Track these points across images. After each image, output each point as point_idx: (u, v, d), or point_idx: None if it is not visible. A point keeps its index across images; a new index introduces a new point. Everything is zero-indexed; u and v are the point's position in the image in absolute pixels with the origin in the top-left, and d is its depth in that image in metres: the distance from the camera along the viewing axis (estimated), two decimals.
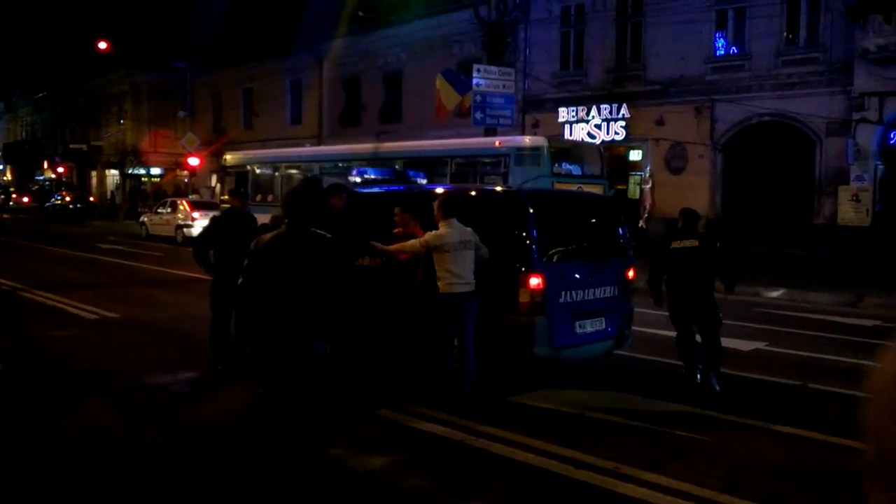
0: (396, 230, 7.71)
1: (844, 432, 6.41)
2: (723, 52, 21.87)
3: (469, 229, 7.14)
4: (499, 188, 11.14)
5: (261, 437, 5.12)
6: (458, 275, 6.94)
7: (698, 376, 7.85)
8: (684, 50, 21.82)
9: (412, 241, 7.14)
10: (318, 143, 31.03)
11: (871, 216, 18.39)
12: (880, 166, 18.95)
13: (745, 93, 20.80)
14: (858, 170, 18.79)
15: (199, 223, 20.90)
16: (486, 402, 7.05)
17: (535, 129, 24.70)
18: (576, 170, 15.88)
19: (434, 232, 7.02)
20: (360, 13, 30.36)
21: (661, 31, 22.24)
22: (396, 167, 14.41)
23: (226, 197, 9.10)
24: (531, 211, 7.49)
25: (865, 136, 18.74)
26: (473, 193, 8.86)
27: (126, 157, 44.82)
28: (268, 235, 4.56)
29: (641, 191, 23.28)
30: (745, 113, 20.83)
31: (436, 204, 7.17)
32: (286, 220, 4.58)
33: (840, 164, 19.17)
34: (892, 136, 18.78)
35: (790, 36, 20.69)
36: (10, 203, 54.27)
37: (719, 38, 21.88)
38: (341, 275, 4.53)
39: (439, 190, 9.10)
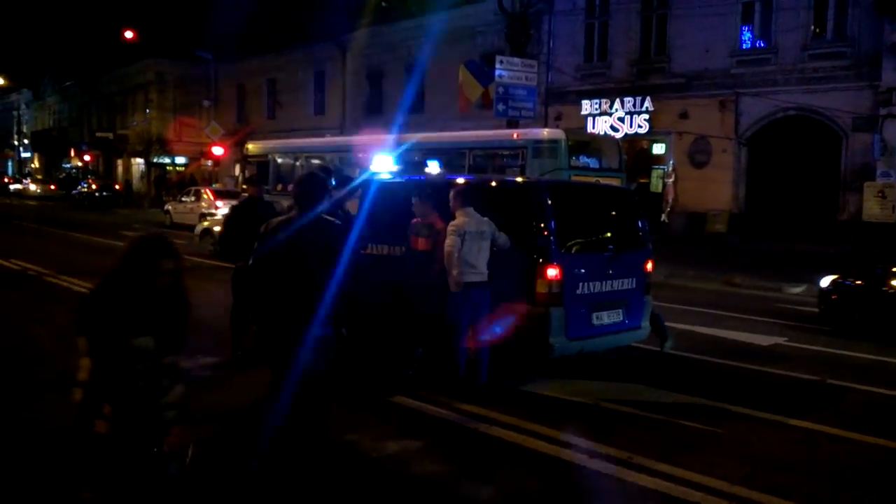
0: (415, 220, 7.75)
1: (861, 428, 6.40)
2: (748, 46, 21.65)
3: (486, 219, 7.18)
4: (519, 179, 11.16)
5: (278, 421, 5.20)
6: (471, 264, 6.99)
7: None
8: (709, 43, 21.62)
9: (451, 239, 7.09)
10: (341, 134, 31.12)
11: None
12: None
13: (770, 86, 20.57)
14: (885, 166, 18.55)
15: (221, 212, 21.03)
16: (501, 391, 7.10)
17: (557, 121, 24.60)
18: (593, 163, 15.84)
19: (453, 222, 7.07)
20: (384, 3, 30.40)
21: (686, 23, 22.04)
22: (416, 158, 14.47)
23: (245, 186, 9.22)
24: (550, 202, 7.51)
25: (892, 131, 18.49)
26: (494, 184, 8.91)
27: (151, 145, 45.23)
28: (277, 219, 4.64)
29: (664, 184, 23.14)
30: (770, 107, 20.62)
31: (451, 193, 7.22)
32: (296, 205, 4.64)
33: (866, 160, 18.93)
34: None
35: (817, 30, 20.44)
36: (32, 189, 55.05)
37: (745, 31, 21.66)
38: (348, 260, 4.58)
39: (459, 180, 9.15)
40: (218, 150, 34.00)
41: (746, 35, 21.69)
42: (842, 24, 19.88)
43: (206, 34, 40.43)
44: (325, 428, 5.49)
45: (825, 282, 11.47)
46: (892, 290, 10.75)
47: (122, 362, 3.26)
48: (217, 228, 20.33)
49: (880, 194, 18.29)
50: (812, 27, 20.40)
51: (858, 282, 11.11)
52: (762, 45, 21.32)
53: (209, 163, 38.87)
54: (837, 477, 5.41)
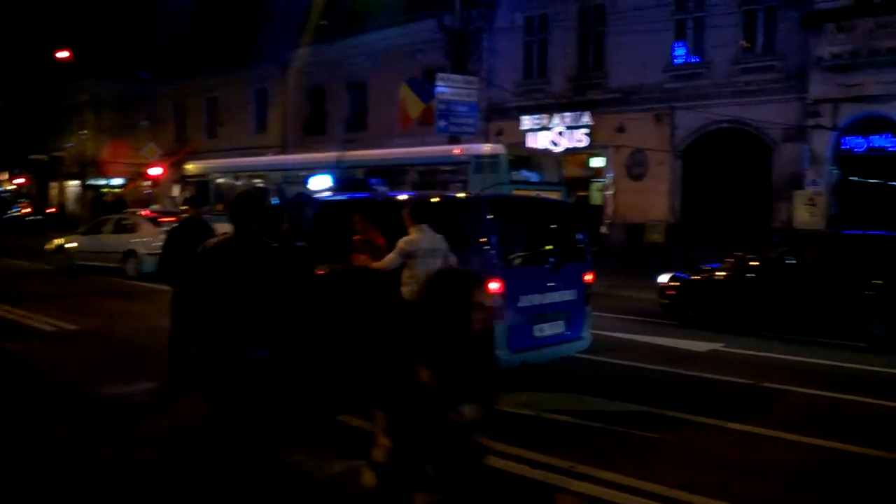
0: (356, 237, 7.74)
1: (795, 428, 6.59)
2: (682, 61, 22.23)
3: (440, 236, 7.19)
4: (460, 194, 11.22)
5: (219, 445, 5.11)
6: (420, 279, 6.97)
7: None
8: (644, 59, 22.14)
9: (391, 256, 7.08)
10: (282, 153, 30.88)
11: (827, 220, 18.79)
12: (834, 171, 19.38)
13: (703, 100, 21.15)
14: (813, 174, 19.20)
15: (161, 233, 20.63)
16: None
17: (498, 136, 24.83)
18: (534, 177, 16.07)
19: (406, 238, 7.04)
20: (324, 22, 30.35)
21: (621, 40, 22.54)
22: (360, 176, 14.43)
23: (184, 207, 9.06)
24: (490, 217, 7.59)
25: (820, 141, 19.18)
26: (435, 200, 8.94)
27: (87, 167, 44.17)
28: (213, 240, 4.58)
29: (604, 197, 23.55)
30: (703, 120, 21.20)
31: (405, 211, 7.21)
32: (232, 225, 4.59)
33: (795, 170, 19.58)
34: (845, 141, 19.23)
35: (747, 44, 21.12)
36: None
37: (678, 46, 22.24)
38: (287, 283, 4.55)
39: (402, 197, 9.17)
40: (156, 171, 33.38)
41: (680, 51, 22.27)
42: (771, 38, 20.58)
43: (144, 53, 39.80)
44: (267, 450, 5.42)
45: (663, 278, 12.38)
46: (716, 285, 11.98)
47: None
48: (71, 245, 20.18)
49: (810, 202, 18.91)
50: (742, 42, 21.07)
51: (695, 277, 12.01)
52: (695, 60, 21.93)
53: (147, 184, 38.09)
54: (774, 477, 5.55)
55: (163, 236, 18.40)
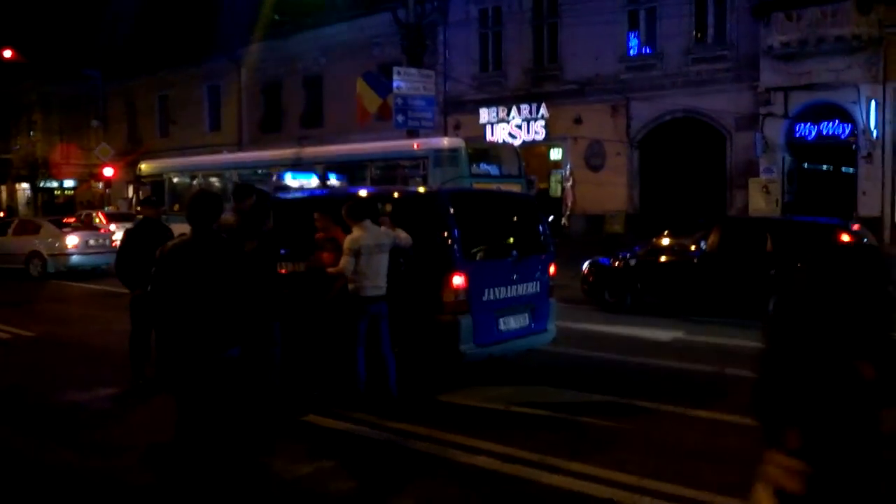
0: (318, 234, 7.66)
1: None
2: (636, 52, 22.48)
3: (384, 229, 7.16)
4: (420, 189, 11.21)
5: (184, 449, 5.03)
6: (368, 277, 6.93)
7: None
8: (599, 50, 22.33)
9: (343, 259, 7.01)
10: (239, 150, 30.51)
11: (781, 206, 19.17)
12: (787, 158, 19.79)
13: (658, 91, 21.43)
14: (767, 162, 19.58)
15: (116, 235, 20.29)
16: (414, 403, 7.08)
17: (457, 130, 24.87)
18: (494, 170, 16.11)
19: (350, 237, 6.99)
20: (277, 17, 30.00)
21: (575, 31, 22.70)
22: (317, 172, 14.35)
23: (140, 208, 8.92)
24: (452, 211, 7.57)
25: (773, 129, 19.56)
26: (396, 195, 8.93)
27: (37, 169, 43.15)
28: (172, 242, 4.51)
29: (563, 189, 23.72)
30: (658, 110, 21.47)
31: (344, 209, 7.16)
32: (190, 226, 4.53)
33: (749, 157, 19.95)
34: (797, 128, 19.64)
35: (699, 35, 21.43)
36: None
37: (632, 38, 22.49)
38: (248, 277, 4.50)
39: (362, 193, 9.12)
40: (108, 172, 32.76)
41: (633, 42, 22.53)
42: (721, 29, 20.91)
43: (93, 52, 38.93)
44: (235, 452, 5.35)
45: (585, 264, 12.87)
46: (627, 271, 12.64)
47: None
48: None
49: (764, 189, 19.27)
50: (694, 33, 21.38)
51: (616, 263, 12.82)
52: (648, 51, 22.18)
53: (100, 185, 37.35)
54: (739, 462, 5.63)
55: (70, 238, 19.04)
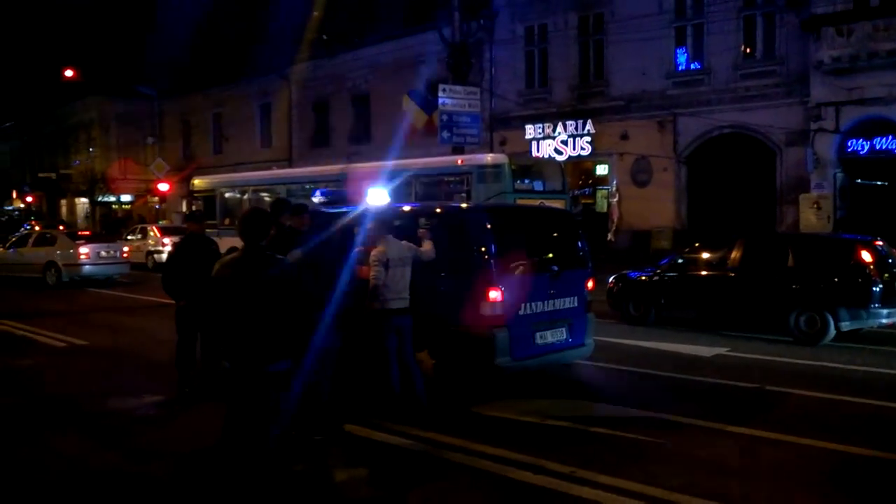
0: (359, 248, 7.82)
1: (797, 431, 6.63)
2: (683, 68, 22.34)
3: (405, 243, 7.31)
4: (462, 205, 11.32)
5: (225, 456, 5.20)
6: (392, 290, 7.09)
7: None
8: (645, 66, 22.25)
9: (374, 268, 7.14)
10: (289, 166, 31.08)
11: (833, 223, 18.80)
12: (839, 174, 19.41)
13: (705, 106, 21.24)
14: (818, 178, 19.24)
15: (169, 249, 20.90)
16: (450, 414, 7.18)
17: (502, 146, 24.99)
18: (538, 185, 16.16)
19: (374, 250, 7.15)
20: (324, 37, 30.60)
21: (622, 48, 22.66)
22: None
23: (187, 223, 9.23)
24: (489, 226, 7.69)
25: (824, 145, 19.21)
26: (438, 210, 9.10)
27: (95, 184, 44.54)
28: (227, 257, 4.70)
29: (609, 204, 23.62)
30: (706, 126, 21.27)
31: (369, 226, 7.34)
32: (242, 241, 4.70)
33: (800, 173, 19.62)
34: (849, 144, 19.27)
35: (748, 50, 21.21)
36: None
37: (679, 53, 22.36)
38: (297, 295, 4.65)
39: (406, 208, 9.30)
40: (164, 187, 33.67)
41: (681, 57, 22.38)
42: (770, 44, 20.67)
43: (149, 70, 40.17)
44: (277, 460, 5.51)
45: (612, 278, 12.86)
46: (649, 284, 12.69)
47: None
48: None
49: (815, 205, 18.93)
50: (742, 48, 21.17)
51: (643, 277, 12.45)
52: (696, 66, 22.02)
53: (155, 199, 38.38)
54: (773, 479, 5.60)
55: (83, 249, 20.00)
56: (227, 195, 22.54)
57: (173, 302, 8.18)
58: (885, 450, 6.10)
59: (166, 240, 24.75)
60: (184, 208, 36.08)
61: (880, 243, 11.28)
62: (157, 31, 42.65)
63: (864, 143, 19.07)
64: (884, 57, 17.87)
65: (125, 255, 22.03)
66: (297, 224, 7.15)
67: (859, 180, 19.79)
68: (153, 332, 12.12)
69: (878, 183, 20.16)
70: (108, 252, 21.18)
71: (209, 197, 22.54)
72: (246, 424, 4.61)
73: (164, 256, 21.32)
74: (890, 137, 18.60)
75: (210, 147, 40.28)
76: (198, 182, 23.98)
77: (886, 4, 18.25)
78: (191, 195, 24.74)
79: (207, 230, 10.13)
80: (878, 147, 18.91)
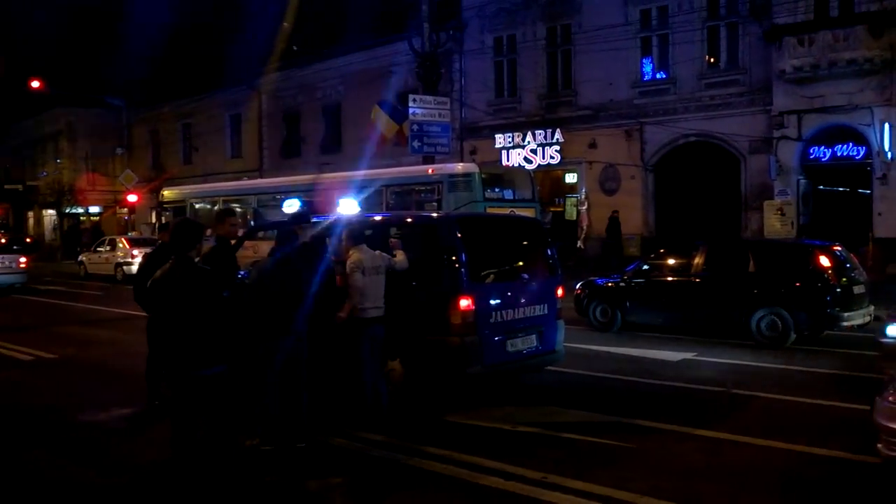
0: (333, 258, 7.87)
1: (762, 433, 6.79)
2: (649, 77, 22.66)
3: (378, 252, 7.39)
4: (433, 214, 11.42)
5: (195, 467, 5.22)
6: (368, 298, 7.15)
7: None
8: (612, 76, 22.55)
9: (354, 276, 7.20)
10: (259, 177, 30.98)
11: (797, 228, 19.18)
12: (802, 180, 19.81)
13: (671, 115, 21.58)
14: (781, 184, 19.61)
15: (139, 260, 20.73)
16: (421, 422, 7.24)
17: (472, 155, 25.16)
18: (508, 194, 16.32)
19: (351, 259, 7.22)
20: (294, 48, 30.60)
21: (589, 58, 22.94)
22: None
23: (160, 234, 9.31)
24: (460, 235, 7.77)
25: (786, 152, 19.60)
26: (409, 220, 9.21)
27: (63, 196, 43.96)
28: (161, 269, 4.80)
29: (578, 212, 23.87)
30: (672, 134, 21.60)
31: (343, 235, 7.42)
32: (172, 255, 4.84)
33: (764, 180, 19.98)
34: (811, 151, 19.68)
35: (712, 60, 21.58)
36: None
37: (645, 63, 22.69)
38: (219, 303, 4.83)
39: (377, 218, 9.37)
40: (132, 198, 33.37)
41: (647, 67, 22.71)
42: (734, 53, 21.05)
43: (117, 81, 39.77)
44: (241, 470, 5.53)
45: (579, 284, 13.15)
46: (618, 291, 12.87)
47: None
48: None
49: (779, 212, 19.30)
50: (707, 58, 21.53)
51: (609, 284, 12.70)
52: (662, 76, 22.36)
53: (124, 211, 37.99)
54: (737, 481, 5.73)
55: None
56: (197, 206, 22.43)
57: (144, 314, 8.15)
58: (845, 450, 6.26)
59: (136, 251, 24.53)
60: (153, 219, 35.78)
61: (839, 248, 11.56)
62: (125, 42, 42.26)
63: (826, 150, 19.49)
64: (844, 66, 18.28)
65: (22, 265, 22.75)
66: (224, 232, 7.20)
67: (822, 187, 20.21)
68: (123, 344, 12.03)
69: (840, 189, 20.62)
70: (2, 263, 22.10)
71: (179, 208, 22.43)
72: (188, 431, 4.70)
73: (134, 268, 21.14)
74: (850, 144, 19.04)
75: (180, 158, 40.00)
76: (167, 193, 23.86)
77: (846, 15, 18.69)
78: (160, 206, 24.57)
79: None
80: (839, 154, 19.34)
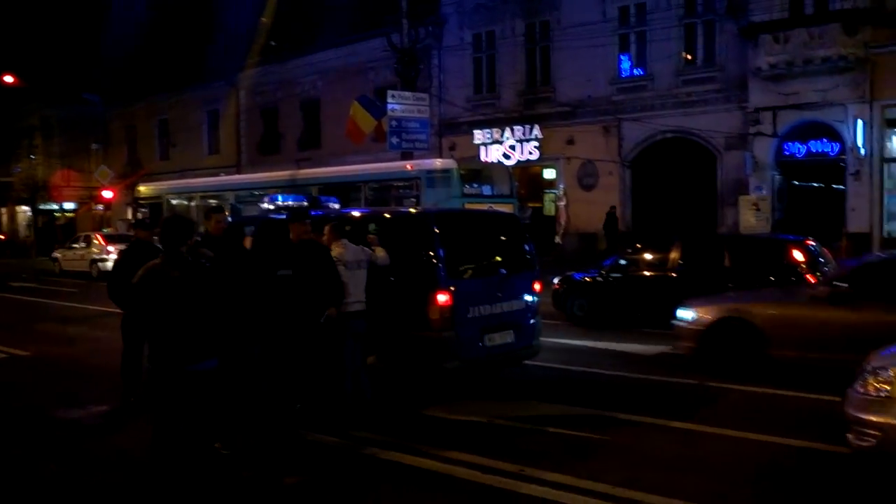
0: None
1: (736, 425, 6.87)
2: (627, 74, 22.80)
3: (360, 247, 7.42)
4: (411, 210, 11.42)
5: (169, 463, 5.19)
6: (351, 293, 7.17)
7: None
8: (591, 72, 22.66)
9: (339, 271, 7.23)
10: (237, 172, 30.81)
11: (772, 224, 19.36)
12: (777, 176, 20.02)
13: (648, 111, 21.72)
14: (757, 180, 19.82)
15: (114, 257, 20.55)
16: (399, 417, 7.25)
17: (451, 151, 25.17)
18: (486, 190, 16.36)
19: (333, 252, 7.23)
20: (273, 43, 30.45)
21: (567, 55, 23.04)
22: (312, 194, 14.58)
23: (134, 230, 9.30)
24: (437, 231, 7.78)
25: (762, 148, 19.81)
26: (387, 216, 9.21)
27: (37, 192, 43.44)
28: (148, 264, 4.79)
29: (556, 208, 23.96)
30: (649, 130, 21.75)
31: (326, 230, 7.42)
32: (162, 248, 4.83)
33: (739, 176, 20.18)
34: (786, 147, 19.89)
35: (688, 57, 21.75)
36: None
37: (623, 60, 22.82)
38: (219, 298, 4.82)
39: (356, 213, 9.37)
40: (108, 194, 33.05)
41: (625, 64, 22.85)
42: (711, 51, 21.24)
43: (94, 76, 39.37)
44: (219, 466, 5.52)
45: (557, 279, 13.25)
46: (596, 286, 13.01)
47: None
48: None
49: (755, 207, 19.46)
50: (684, 54, 21.69)
51: (587, 279, 13.07)
52: (639, 72, 22.50)
53: (100, 207, 37.62)
54: (712, 471, 5.80)
55: None
56: (173, 202, 22.27)
57: (119, 311, 8.10)
58: (818, 440, 6.35)
59: (111, 248, 24.28)
60: (129, 216, 35.46)
61: (812, 243, 11.70)
62: (102, 37, 41.82)
63: (801, 146, 19.71)
64: (818, 63, 18.49)
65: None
66: (213, 229, 7.22)
67: (796, 182, 20.44)
68: (98, 341, 11.92)
69: (814, 185, 20.86)
70: None
71: (155, 204, 22.25)
72: (173, 427, 4.70)
73: (109, 265, 20.96)
74: (825, 141, 19.27)
75: (156, 154, 39.65)
76: (143, 189, 23.66)
77: (821, 13, 18.91)
78: (136, 202, 24.35)
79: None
80: (813, 150, 19.57)
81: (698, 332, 9.24)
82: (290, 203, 11.04)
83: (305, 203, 11.44)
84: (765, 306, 9.07)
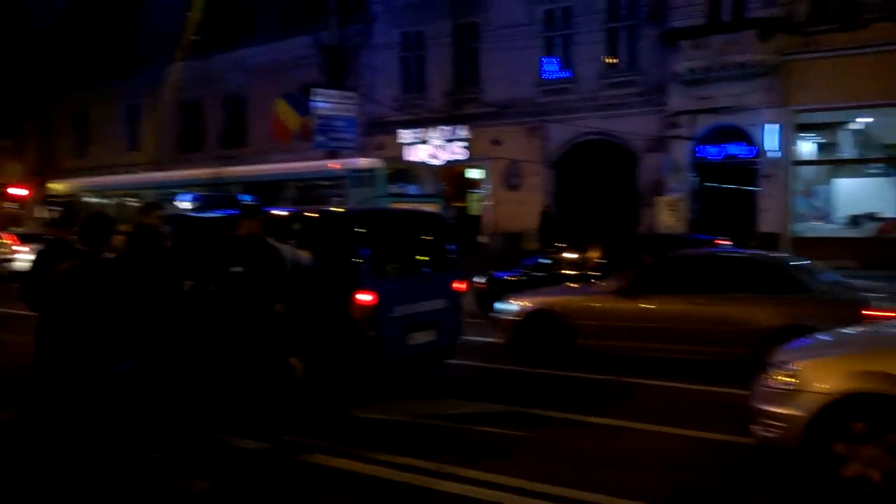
0: None
1: (652, 419, 7.08)
2: (552, 76, 23.13)
3: (287, 246, 7.33)
4: (333, 209, 11.32)
5: (80, 469, 5.04)
6: None
7: None
8: (517, 74, 22.92)
9: None
10: (157, 170, 29.96)
11: (687, 223, 19.97)
12: (693, 178, 20.65)
13: (572, 113, 22.09)
14: (674, 182, 20.42)
15: (23, 256, 19.74)
16: (321, 418, 7.21)
17: (379, 150, 25.03)
18: (412, 189, 16.37)
19: None
20: (196, 38, 29.74)
21: (494, 56, 23.23)
22: (231, 192, 14.34)
23: (48, 230, 9.00)
24: (359, 230, 7.77)
25: (679, 151, 20.40)
26: (309, 215, 9.09)
27: None
28: (65, 264, 4.64)
29: (482, 207, 24.16)
30: (573, 132, 22.13)
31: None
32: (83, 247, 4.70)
33: (658, 177, 20.74)
34: (702, 150, 20.52)
35: (612, 60, 22.22)
36: None
37: (548, 63, 23.14)
38: (134, 299, 4.72)
39: (280, 213, 9.23)
40: (18, 191, 31.74)
41: (550, 66, 23.16)
42: (633, 55, 21.75)
43: (6, 69, 37.73)
44: (131, 471, 5.37)
45: (480, 278, 14.00)
46: (518, 285, 12.88)
47: None
48: None
49: (672, 207, 20.07)
50: (607, 59, 22.15)
51: (509, 277, 13.66)
52: (564, 75, 22.86)
53: (10, 205, 36.11)
54: (628, 464, 5.96)
55: None
56: (88, 200, 21.51)
57: (31, 313, 7.78)
58: (729, 433, 6.58)
59: (23, 248, 23.30)
60: (40, 214, 34.10)
61: (726, 242, 12.15)
62: (16, 28, 40.10)
63: (717, 149, 20.37)
64: (734, 68, 19.13)
65: None
66: (151, 222, 7.10)
67: (711, 184, 21.11)
68: (4, 345, 11.45)
69: (728, 186, 21.59)
70: None
71: (68, 202, 21.44)
72: (90, 430, 4.58)
73: (17, 265, 20.20)
74: (739, 144, 19.97)
75: (72, 150, 38.25)
76: (56, 186, 22.80)
77: (737, 20, 19.58)
78: (47, 201, 23.45)
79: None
80: (728, 153, 20.24)
81: (514, 323, 10.03)
82: (191, 202, 10.83)
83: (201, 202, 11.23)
84: (570, 300, 10.09)
